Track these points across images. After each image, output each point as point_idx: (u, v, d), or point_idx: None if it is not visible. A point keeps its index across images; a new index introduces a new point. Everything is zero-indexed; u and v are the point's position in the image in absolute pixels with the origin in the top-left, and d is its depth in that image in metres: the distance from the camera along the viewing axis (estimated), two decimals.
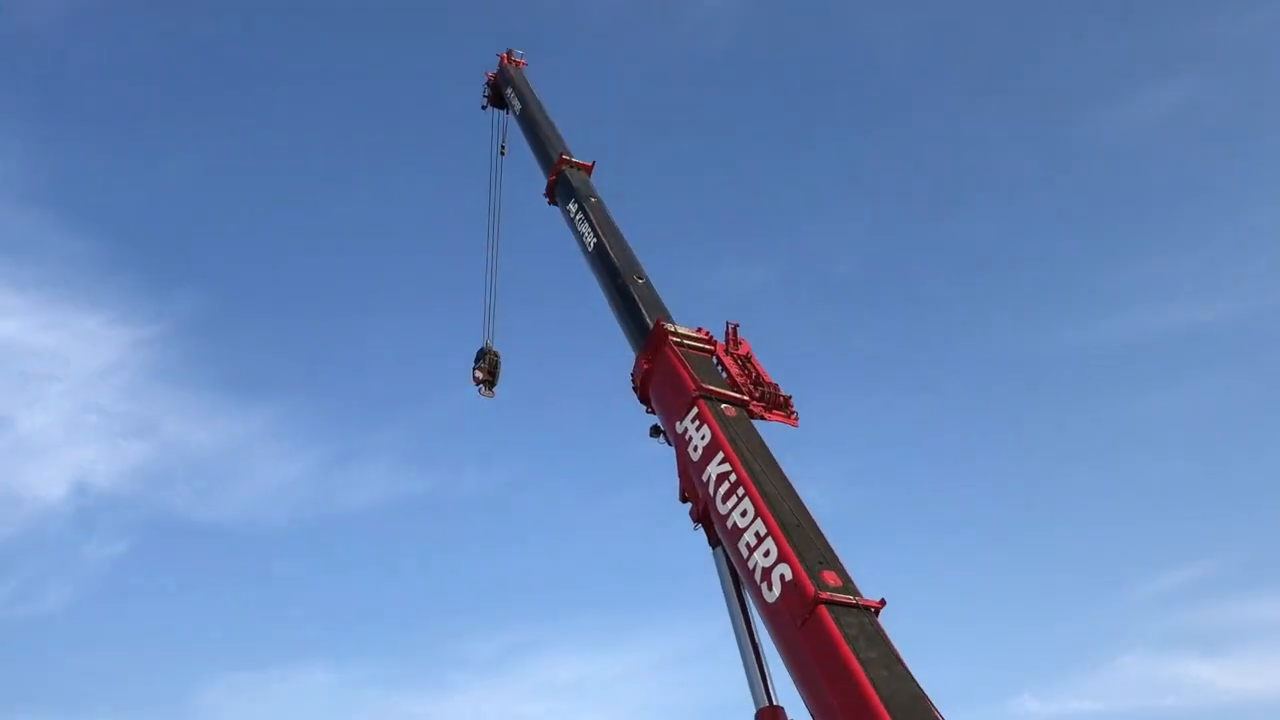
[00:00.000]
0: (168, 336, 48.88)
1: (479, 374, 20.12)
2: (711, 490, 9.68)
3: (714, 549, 10.07)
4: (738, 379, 11.19)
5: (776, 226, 51.32)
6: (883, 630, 8.02)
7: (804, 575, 8.26)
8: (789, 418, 11.01)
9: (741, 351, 11.79)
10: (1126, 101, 46.64)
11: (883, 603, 8.22)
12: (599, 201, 15.19)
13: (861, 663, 7.53)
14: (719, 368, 11.47)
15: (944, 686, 7.71)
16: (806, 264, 50.67)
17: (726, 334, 12.00)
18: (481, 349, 20.53)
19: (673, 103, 52.48)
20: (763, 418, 10.80)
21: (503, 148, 21.70)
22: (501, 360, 20.27)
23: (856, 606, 8.14)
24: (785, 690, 9.03)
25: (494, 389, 20.21)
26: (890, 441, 44.76)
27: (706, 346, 11.70)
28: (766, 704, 8.96)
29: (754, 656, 9.30)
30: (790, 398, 11.20)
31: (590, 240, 14.35)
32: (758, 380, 11.30)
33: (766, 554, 8.69)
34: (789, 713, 8.97)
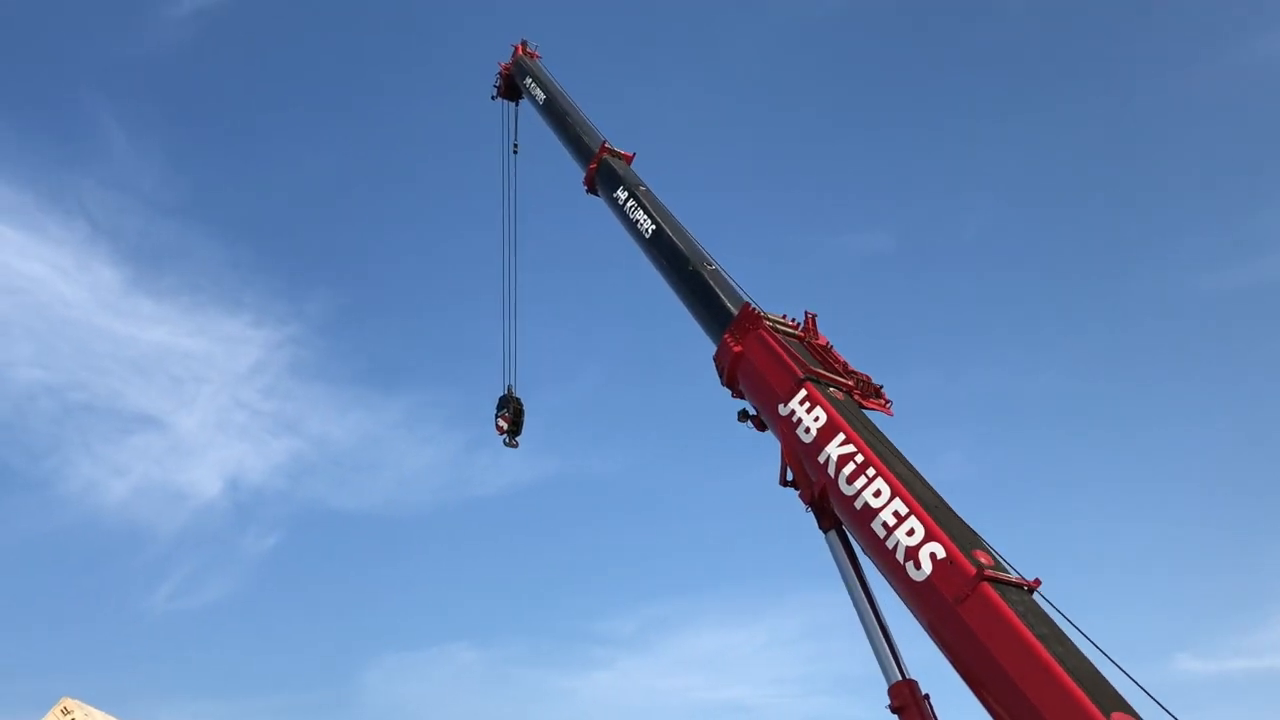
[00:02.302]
0: (306, 335, 52.41)
1: (502, 423, 19.69)
2: (833, 472, 9.66)
3: (826, 532, 10.06)
4: (834, 365, 11.24)
5: (897, 190, 52.10)
6: (1042, 609, 8.12)
7: (959, 553, 8.32)
8: (884, 406, 11.09)
9: (820, 343, 11.83)
10: (1263, 37, 45.65)
11: (1038, 582, 8.33)
12: (648, 190, 15.14)
13: (1038, 638, 7.60)
14: (807, 355, 11.50)
15: (1095, 649, 7.81)
16: (930, 228, 51.19)
17: (806, 324, 12.05)
18: (503, 396, 20.03)
19: (784, 67, 53.36)
20: (862, 405, 10.85)
21: (515, 145, 21.52)
22: (525, 408, 19.81)
23: (1016, 585, 8.22)
24: (913, 665, 9.17)
25: (517, 438, 19.76)
26: (1026, 401, 45.44)
27: (796, 332, 11.73)
28: (900, 678, 8.96)
29: (882, 634, 9.32)
30: (881, 387, 11.30)
31: (648, 227, 14.27)
32: (847, 370, 11.36)
33: (910, 533, 8.70)
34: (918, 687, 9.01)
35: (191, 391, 50.32)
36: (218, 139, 58.10)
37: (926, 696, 8.87)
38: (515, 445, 19.89)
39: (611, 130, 16.63)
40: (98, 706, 8.19)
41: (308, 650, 45.09)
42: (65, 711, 8.06)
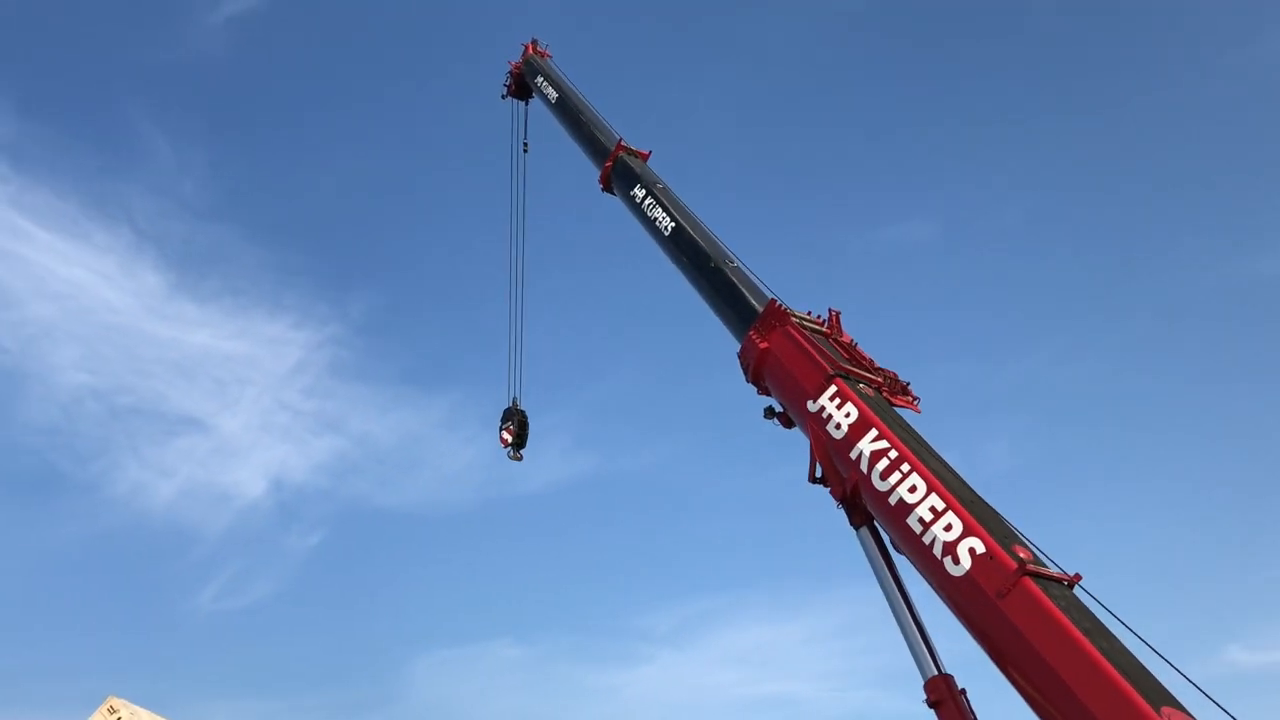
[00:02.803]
0: (346, 335, 53.49)
1: (507, 435, 19.57)
2: (865, 467, 9.65)
3: (857, 529, 10.05)
4: (862, 361, 11.24)
5: (935, 181, 52.74)
6: (1083, 604, 8.12)
7: (999, 548, 8.31)
8: (912, 404, 11.08)
9: (845, 340, 11.83)
10: None
11: (1078, 577, 8.32)
12: (666, 187, 15.13)
13: (1083, 633, 7.59)
14: (834, 352, 11.49)
15: (1141, 643, 7.82)
16: (970, 214, 51.36)
17: (830, 321, 12.05)
18: (508, 409, 19.92)
19: (816, 59, 54.35)
20: (891, 402, 10.84)
21: (525, 145, 21.52)
22: (529, 420, 19.70)
23: (1056, 580, 8.22)
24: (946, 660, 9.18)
25: (521, 451, 19.62)
26: (1070, 391, 45.83)
27: (822, 329, 11.72)
28: (936, 673, 8.96)
29: (916, 629, 9.32)
30: (909, 384, 11.30)
31: (667, 225, 14.25)
32: (873, 367, 11.36)
33: (948, 528, 8.70)
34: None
35: (235, 393, 51.33)
36: (256, 143, 59.52)
37: (963, 691, 8.88)
38: (519, 458, 19.68)
39: (633, 129, 16.63)
40: (146, 706, 8.17)
41: (352, 648, 46.08)
42: (111, 710, 8.06)
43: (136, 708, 8.21)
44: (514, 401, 20.11)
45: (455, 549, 50.92)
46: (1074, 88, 50.48)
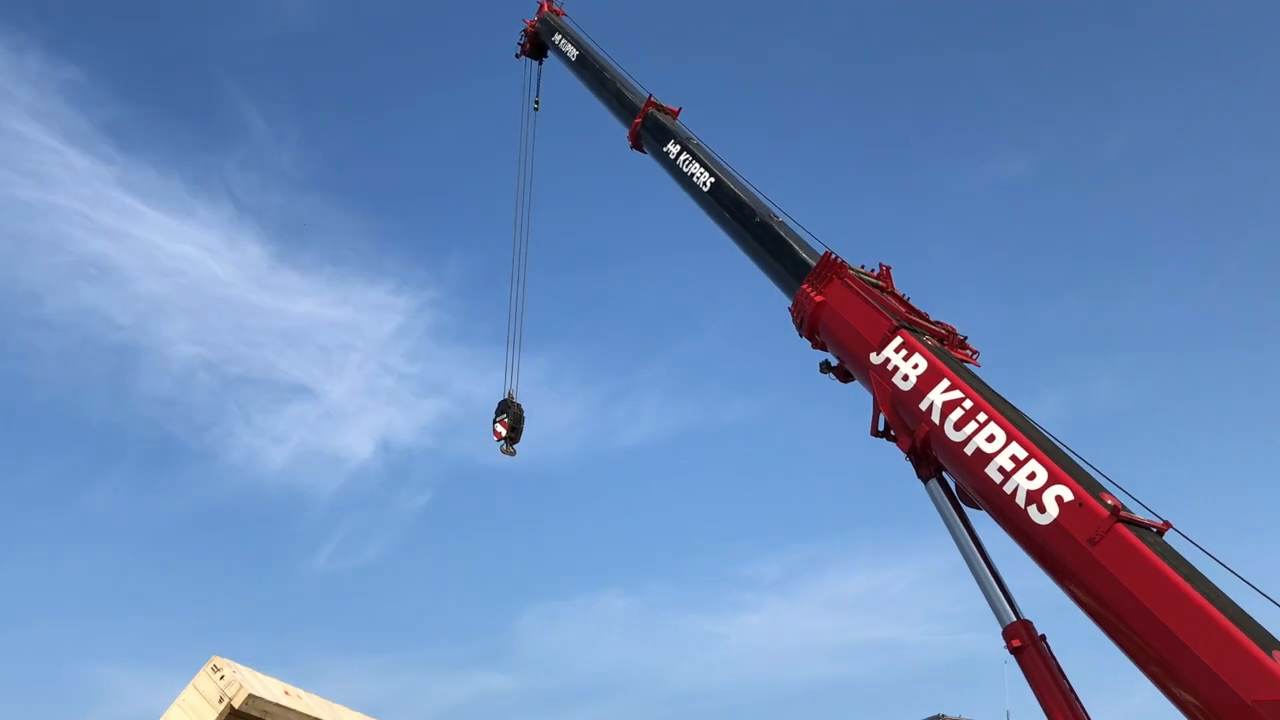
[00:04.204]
0: (445, 298, 55.00)
1: (500, 429, 19.07)
2: (938, 418, 9.60)
3: (926, 482, 10.00)
4: (918, 313, 11.17)
5: (1032, 115, 52.45)
6: (1176, 550, 8.12)
7: (1088, 495, 8.29)
8: (971, 358, 11.03)
9: (898, 294, 11.75)
10: None
11: (1168, 525, 8.32)
12: (700, 143, 14.97)
13: (1183, 578, 7.59)
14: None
15: (1244, 584, 7.76)
16: (1070, 148, 51.35)
17: (882, 275, 11.97)
18: (504, 400, 19.36)
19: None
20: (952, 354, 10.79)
21: (536, 102, 21.23)
22: (525, 415, 19.21)
23: (1146, 526, 8.21)
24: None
25: (515, 446, 19.15)
26: (1178, 323, 46.23)
27: (878, 283, 11.64)
28: (1014, 619, 8.95)
29: (992, 578, 9.30)
30: (966, 338, 11.26)
31: (705, 180, 14.10)
32: (929, 319, 11.30)
33: (1031, 476, 8.66)
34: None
35: (339, 359, 53.04)
36: (349, 113, 60.38)
37: (1043, 637, 8.88)
38: (513, 453, 19.23)
39: (683, 83, 16.36)
40: (260, 665, 8.12)
41: (463, 603, 47.69)
42: (215, 669, 7.99)
43: (240, 666, 8.08)
44: (509, 394, 19.55)
45: (561, 503, 52.69)
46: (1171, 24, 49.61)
